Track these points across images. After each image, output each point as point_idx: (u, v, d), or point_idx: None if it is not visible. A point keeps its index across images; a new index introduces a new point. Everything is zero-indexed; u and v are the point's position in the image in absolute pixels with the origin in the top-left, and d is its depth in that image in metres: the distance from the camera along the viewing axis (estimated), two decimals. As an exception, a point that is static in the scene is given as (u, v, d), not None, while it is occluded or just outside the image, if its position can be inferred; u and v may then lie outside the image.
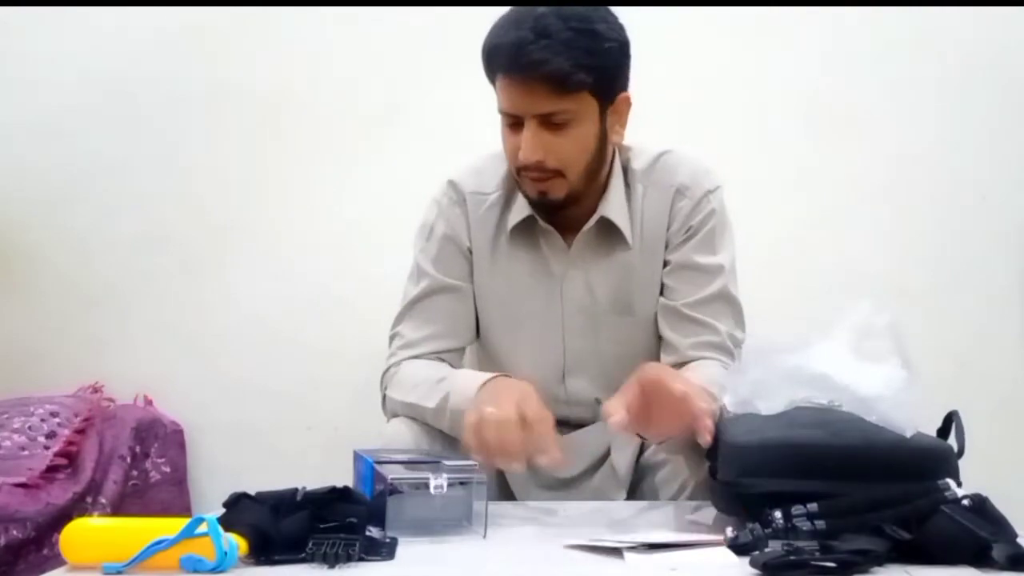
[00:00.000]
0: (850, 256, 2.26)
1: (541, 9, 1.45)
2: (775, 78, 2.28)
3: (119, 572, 1.04)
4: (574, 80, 1.46)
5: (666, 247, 1.63)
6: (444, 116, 2.29)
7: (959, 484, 1.11)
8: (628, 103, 1.58)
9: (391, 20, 2.33)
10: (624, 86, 1.56)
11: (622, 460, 1.64)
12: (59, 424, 2.16)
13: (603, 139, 1.56)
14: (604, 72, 1.49)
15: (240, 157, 2.38)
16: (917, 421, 1.16)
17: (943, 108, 2.27)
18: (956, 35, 2.26)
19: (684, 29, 2.25)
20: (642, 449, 1.65)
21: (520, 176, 1.55)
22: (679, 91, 2.21)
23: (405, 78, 2.33)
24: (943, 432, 1.25)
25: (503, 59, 1.47)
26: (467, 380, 1.49)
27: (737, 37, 2.28)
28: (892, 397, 1.16)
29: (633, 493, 1.64)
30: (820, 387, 1.21)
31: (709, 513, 1.29)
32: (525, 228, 1.63)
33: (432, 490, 1.20)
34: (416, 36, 2.32)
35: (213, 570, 1.03)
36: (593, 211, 1.61)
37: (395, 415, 1.59)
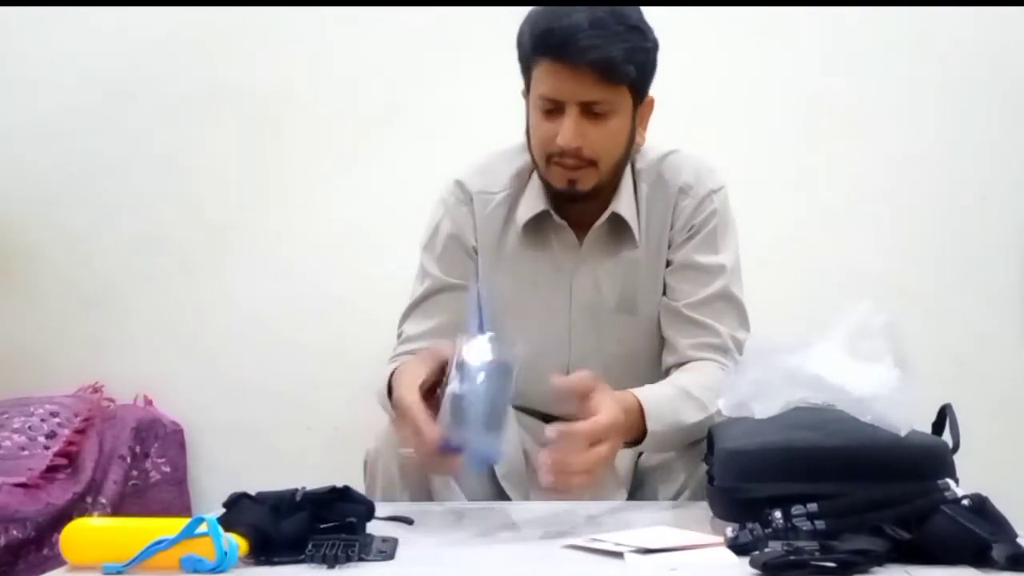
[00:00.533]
0: (850, 256, 2.26)
1: (590, 5, 1.47)
2: (775, 78, 2.28)
3: (119, 572, 1.04)
4: (622, 71, 1.47)
5: (669, 246, 1.63)
6: (444, 116, 2.29)
7: (956, 481, 1.11)
8: (652, 106, 1.60)
9: (391, 20, 2.33)
10: (650, 88, 1.58)
11: (622, 462, 1.64)
12: (59, 424, 2.16)
13: (632, 136, 1.58)
14: (644, 69, 1.52)
15: (240, 157, 2.38)
16: (912, 420, 1.16)
17: (943, 108, 2.27)
18: (956, 35, 2.26)
19: (683, 29, 2.24)
20: (641, 451, 1.65)
21: (550, 164, 1.55)
22: (678, 91, 2.20)
23: (405, 78, 2.33)
24: (937, 427, 1.25)
25: (555, 43, 1.47)
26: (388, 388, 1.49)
27: (737, 37, 2.28)
28: (887, 397, 1.16)
29: (633, 494, 1.64)
30: (816, 388, 1.21)
31: (707, 513, 1.28)
32: (535, 225, 1.64)
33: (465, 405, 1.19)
34: (416, 36, 2.32)
35: (213, 570, 1.03)
36: (603, 208, 1.61)
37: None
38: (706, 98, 2.26)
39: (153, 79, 2.38)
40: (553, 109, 1.51)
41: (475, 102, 2.21)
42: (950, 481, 1.09)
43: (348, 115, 2.35)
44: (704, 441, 1.40)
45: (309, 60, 2.36)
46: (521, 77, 1.58)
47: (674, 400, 1.43)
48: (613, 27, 1.46)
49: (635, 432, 1.39)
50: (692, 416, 1.42)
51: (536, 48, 1.50)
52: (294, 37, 2.36)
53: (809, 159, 2.28)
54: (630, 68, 1.48)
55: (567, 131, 1.50)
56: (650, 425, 1.38)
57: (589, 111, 1.50)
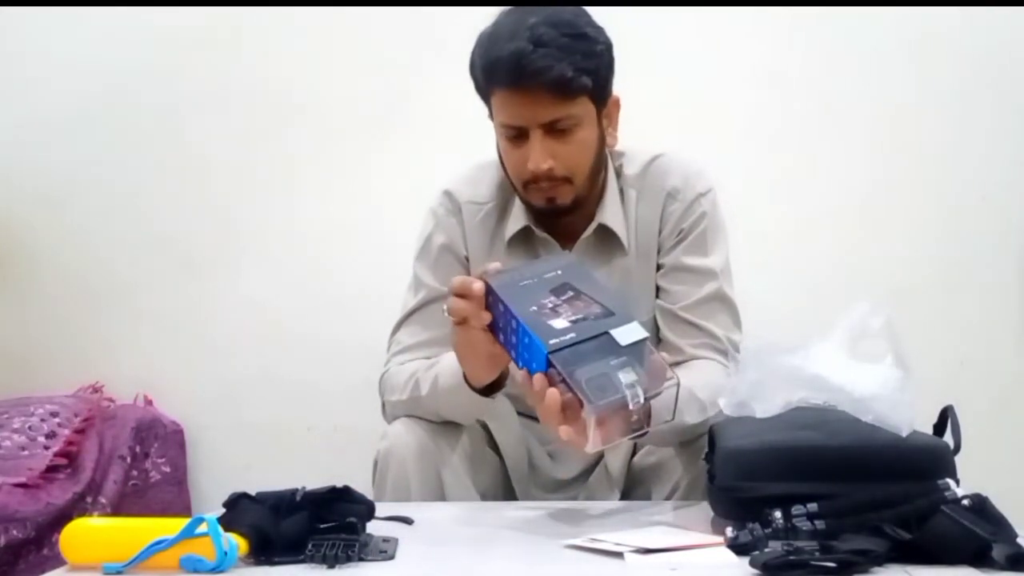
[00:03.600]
0: (850, 256, 2.26)
1: (531, 19, 1.45)
2: (774, 78, 2.28)
3: (119, 572, 1.04)
4: (576, 85, 1.47)
5: (659, 251, 1.63)
6: (447, 117, 2.28)
7: (956, 481, 1.11)
8: (618, 105, 1.60)
9: (395, 18, 2.33)
10: (612, 88, 1.57)
11: (615, 462, 1.64)
12: (59, 424, 2.16)
13: (602, 142, 1.57)
14: (599, 75, 1.51)
15: (240, 157, 2.38)
16: (913, 420, 1.16)
17: (943, 108, 2.27)
18: (956, 35, 2.26)
19: (683, 29, 2.25)
20: (634, 452, 1.65)
21: (527, 188, 1.55)
22: (678, 91, 2.22)
23: (407, 79, 2.33)
24: (939, 428, 1.25)
25: (504, 72, 1.47)
26: (451, 359, 1.49)
27: (736, 37, 2.28)
28: (888, 397, 1.16)
29: (627, 494, 1.64)
30: (816, 388, 1.21)
31: (707, 513, 1.28)
32: (522, 238, 1.63)
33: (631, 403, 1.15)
34: (418, 37, 2.32)
35: (213, 570, 1.03)
36: (590, 218, 1.61)
37: (395, 417, 1.59)
38: (705, 98, 2.26)
39: (154, 79, 2.38)
40: (517, 135, 1.51)
41: (478, 103, 2.21)
42: (950, 481, 1.09)
43: (350, 116, 2.35)
44: (699, 441, 1.40)
45: (312, 60, 2.36)
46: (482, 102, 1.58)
47: (679, 400, 1.43)
48: (559, 41, 1.45)
49: None
50: (693, 417, 1.42)
51: (487, 79, 1.50)
52: (297, 36, 2.36)
53: (808, 159, 2.28)
54: (584, 79, 1.47)
55: (535, 155, 1.50)
56: (652, 423, 1.38)
57: (553, 129, 1.49)
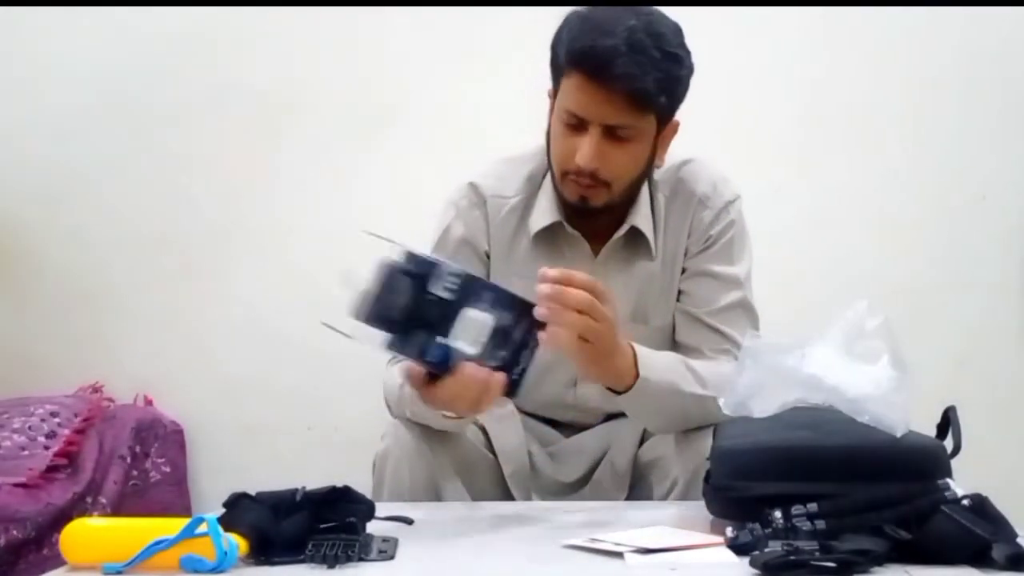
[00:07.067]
0: (850, 256, 2.26)
1: (631, 20, 1.44)
2: (774, 78, 2.29)
3: (119, 572, 1.04)
4: (652, 101, 1.46)
5: (684, 255, 1.62)
6: (445, 117, 2.29)
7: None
8: (675, 130, 1.58)
9: (393, 20, 2.33)
10: (676, 113, 1.56)
11: (621, 459, 1.64)
12: (59, 424, 2.17)
13: (650, 160, 1.56)
14: (674, 97, 1.50)
15: (241, 157, 2.38)
16: (908, 421, 1.16)
17: (943, 108, 2.27)
18: (956, 35, 2.26)
19: (684, 30, 2.25)
20: (640, 446, 1.65)
21: (564, 178, 1.54)
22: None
23: (407, 78, 2.33)
24: (942, 429, 1.25)
25: (590, 62, 1.44)
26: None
27: (735, 37, 2.28)
28: (882, 397, 1.16)
29: (631, 491, 1.64)
30: (813, 388, 1.21)
31: (707, 513, 1.28)
32: (548, 234, 1.62)
33: None
34: (417, 37, 2.32)
35: (213, 570, 1.03)
36: (620, 219, 1.60)
37: (396, 417, 1.59)
38: (705, 99, 2.25)
39: (153, 79, 2.38)
40: (577, 125, 1.49)
41: (477, 103, 2.21)
42: (950, 481, 1.09)
43: (349, 115, 2.35)
44: (699, 439, 1.40)
45: (310, 60, 2.37)
46: (550, 76, 1.55)
47: (671, 362, 1.42)
48: (651, 53, 1.43)
49: (626, 377, 1.38)
50: (688, 385, 1.41)
51: (570, 61, 1.47)
52: (295, 37, 2.36)
53: (808, 159, 2.29)
54: (661, 99, 1.46)
55: (586, 153, 1.48)
56: (642, 371, 1.37)
57: (612, 134, 1.48)
